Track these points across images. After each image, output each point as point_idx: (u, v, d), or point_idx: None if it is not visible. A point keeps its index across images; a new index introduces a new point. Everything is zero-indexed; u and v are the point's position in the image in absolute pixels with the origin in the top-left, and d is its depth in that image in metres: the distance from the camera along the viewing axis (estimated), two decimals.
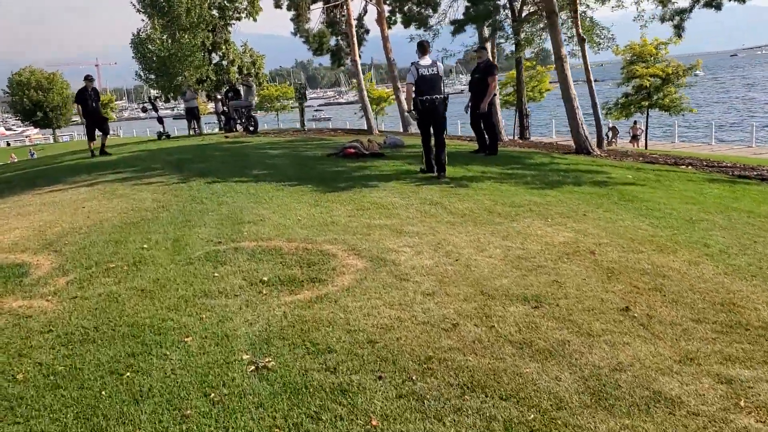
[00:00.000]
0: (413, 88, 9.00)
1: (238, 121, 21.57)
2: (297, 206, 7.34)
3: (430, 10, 21.19)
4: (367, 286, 4.51)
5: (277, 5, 20.38)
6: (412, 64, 9.39)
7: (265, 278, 4.74)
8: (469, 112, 11.77)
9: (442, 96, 8.96)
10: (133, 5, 26.85)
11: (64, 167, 13.41)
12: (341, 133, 19.46)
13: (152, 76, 26.66)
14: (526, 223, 6.38)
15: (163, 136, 21.70)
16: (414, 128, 16.41)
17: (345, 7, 18.61)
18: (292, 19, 21.15)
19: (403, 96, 21.35)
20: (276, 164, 10.95)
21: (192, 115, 23.41)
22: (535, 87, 39.40)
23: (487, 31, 22.75)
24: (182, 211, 7.26)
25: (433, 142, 9.15)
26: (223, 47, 32.69)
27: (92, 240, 6.18)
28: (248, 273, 4.88)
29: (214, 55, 31.98)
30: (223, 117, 24.03)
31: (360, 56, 22.48)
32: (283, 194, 8.11)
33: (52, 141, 65.33)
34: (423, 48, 9.19)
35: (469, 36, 26.47)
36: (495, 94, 11.38)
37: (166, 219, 6.90)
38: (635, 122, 31.90)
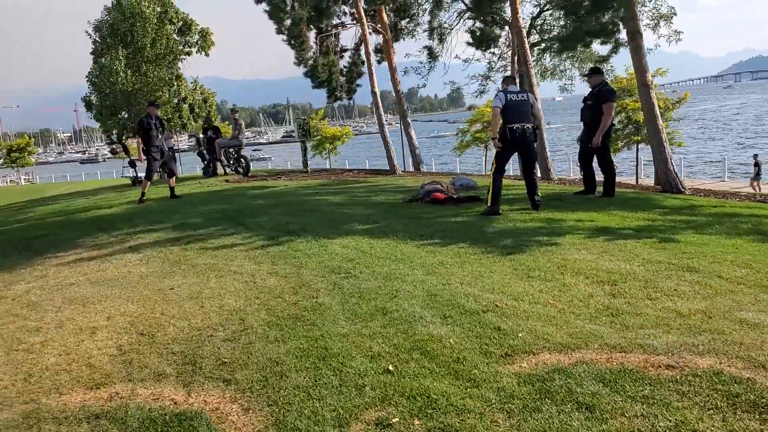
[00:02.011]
0: (499, 113, 8.34)
1: (226, 163, 18.99)
2: (509, 280, 5.15)
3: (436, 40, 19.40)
4: None
5: (279, 31, 18.02)
6: (500, 90, 8.73)
7: None
8: (579, 145, 9.85)
9: (531, 125, 8.36)
10: (89, 35, 23.90)
11: (57, 222, 10.52)
12: (362, 174, 17.17)
13: (103, 114, 23.61)
14: None
15: (137, 182, 18.80)
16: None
17: (360, 35, 16.46)
18: (293, 45, 18.83)
19: (413, 132, 19.37)
20: (364, 215, 8.64)
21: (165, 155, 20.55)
22: None
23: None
24: (348, 291, 4.93)
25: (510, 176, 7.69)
26: (175, 83, 30.00)
27: (264, 355, 3.83)
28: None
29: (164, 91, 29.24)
30: (200, 158, 21.22)
31: (354, 89, 20.49)
32: (448, 259, 5.92)
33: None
34: (511, 78, 8.85)
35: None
36: (612, 125, 9.45)
37: (337, 310, 4.56)
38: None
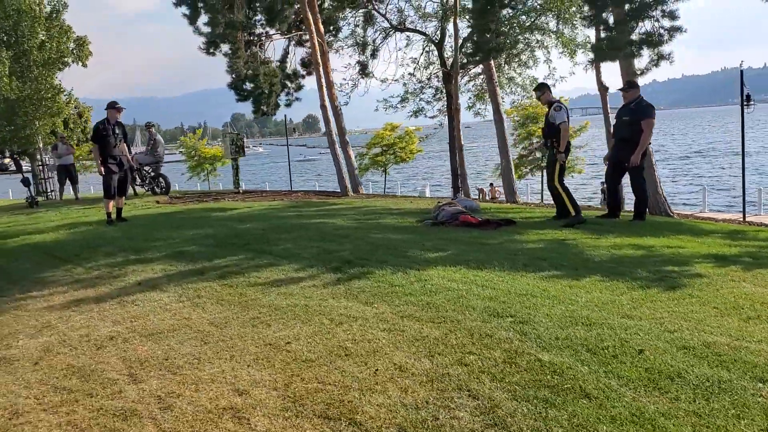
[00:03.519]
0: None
1: (139, 183, 16.79)
2: (722, 321, 4.17)
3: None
4: None
5: (212, 42, 16.15)
6: (559, 103, 8.88)
7: None
8: (608, 164, 9.18)
9: None
10: None
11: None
12: (314, 196, 15.65)
13: None
14: None
15: (34, 203, 16.09)
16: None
17: (310, 41, 14.98)
18: (225, 54, 17.03)
19: (352, 152, 18.17)
20: (408, 240, 7.39)
21: (68, 173, 17.91)
22: (404, 147, 37.25)
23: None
24: (561, 344, 3.76)
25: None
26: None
27: None
28: None
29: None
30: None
31: (289, 103, 19.02)
32: (601, 295, 4.91)
33: None
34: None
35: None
36: (650, 144, 8.89)
37: (593, 375, 3.44)
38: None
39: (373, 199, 13.81)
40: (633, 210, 9.15)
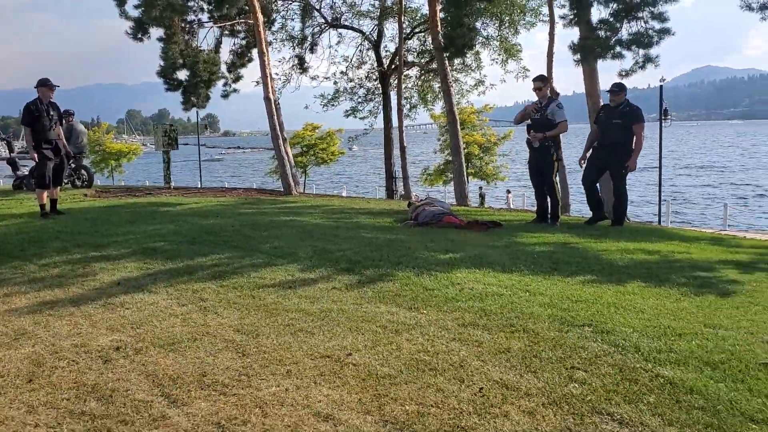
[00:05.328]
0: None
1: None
2: None
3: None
4: None
5: (141, 27, 14.90)
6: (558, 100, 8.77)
7: None
8: (584, 167, 8.92)
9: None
10: None
11: None
12: (255, 193, 14.72)
13: None
14: None
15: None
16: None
17: (255, 30, 14.04)
18: (159, 39, 15.83)
19: (290, 149, 17.39)
20: (410, 242, 6.82)
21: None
22: (326, 149, 36.33)
23: None
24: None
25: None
26: None
27: None
28: None
29: None
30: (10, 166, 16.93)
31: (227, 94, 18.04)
32: (657, 302, 4.57)
33: None
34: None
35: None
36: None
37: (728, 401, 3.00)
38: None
39: (324, 199, 13.17)
40: (612, 215, 8.95)
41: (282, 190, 14.84)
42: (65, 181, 15.50)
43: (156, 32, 17.42)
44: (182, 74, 17.86)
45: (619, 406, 2.80)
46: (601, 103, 11.65)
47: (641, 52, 9.52)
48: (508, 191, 29.20)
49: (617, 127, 8.40)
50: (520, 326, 3.84)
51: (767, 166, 60.46)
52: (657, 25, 9.35)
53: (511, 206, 24.03)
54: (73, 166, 15.49)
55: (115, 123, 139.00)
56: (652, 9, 9.15)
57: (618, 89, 8.59)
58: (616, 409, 2.76)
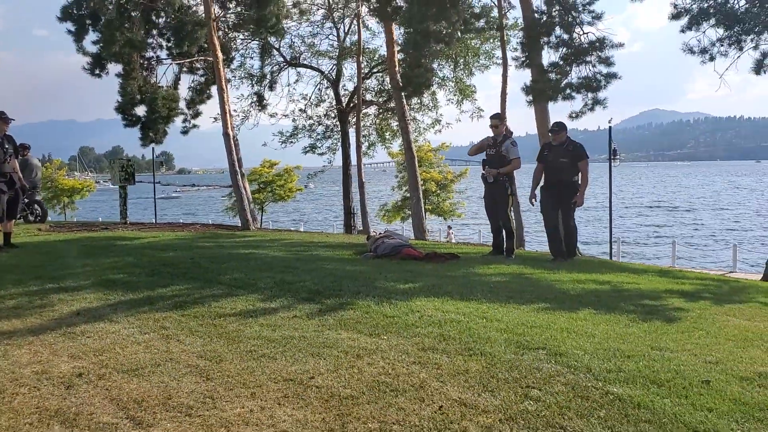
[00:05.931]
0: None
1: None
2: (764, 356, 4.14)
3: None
4: None
5: (98, 62, 14.88)
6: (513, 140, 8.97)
7: None
8: (543, 211, 9.11)
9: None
10: None
11: None
12: (212, 228, 14.64)
13: None
14: None
15: None
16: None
17: (215, 66, 14.16)
18: (118, 75, 15.80)
19: (247, 185, 17.39)
20: (371, 272, 6.94)
21: None
22: (283, 185, 36.27)
23: None
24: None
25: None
26: None
27: None
28: None
29: None
30: None
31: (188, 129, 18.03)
32: (626, 329, 4.74)
33: None
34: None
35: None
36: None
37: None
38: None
39: (282, 233, 13.22)
40: (564, 248, 9.18)
41: (240, 225, 14.82)
42: (18, 216, 15.21)
43: (114, 68, 17.45)
44: (140, 110, 17.81)
45: (572, 420, 2.94)
46: None
47: (590, 95, 9.99)
48: (449, 227, 29.64)
49: (565, 165, 8.70)
50: (478, 350, 3.97)
51: (715, 207, 62.72)
52: (604, 69, 9.88)
53: (453, 241, 24.59)
54: (26, 201, 15.22)
55: (68, 160, 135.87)
56: (599, 53, 9.65)
57: (558, 128, 8.91)
58: (569, 423, 2.90)
